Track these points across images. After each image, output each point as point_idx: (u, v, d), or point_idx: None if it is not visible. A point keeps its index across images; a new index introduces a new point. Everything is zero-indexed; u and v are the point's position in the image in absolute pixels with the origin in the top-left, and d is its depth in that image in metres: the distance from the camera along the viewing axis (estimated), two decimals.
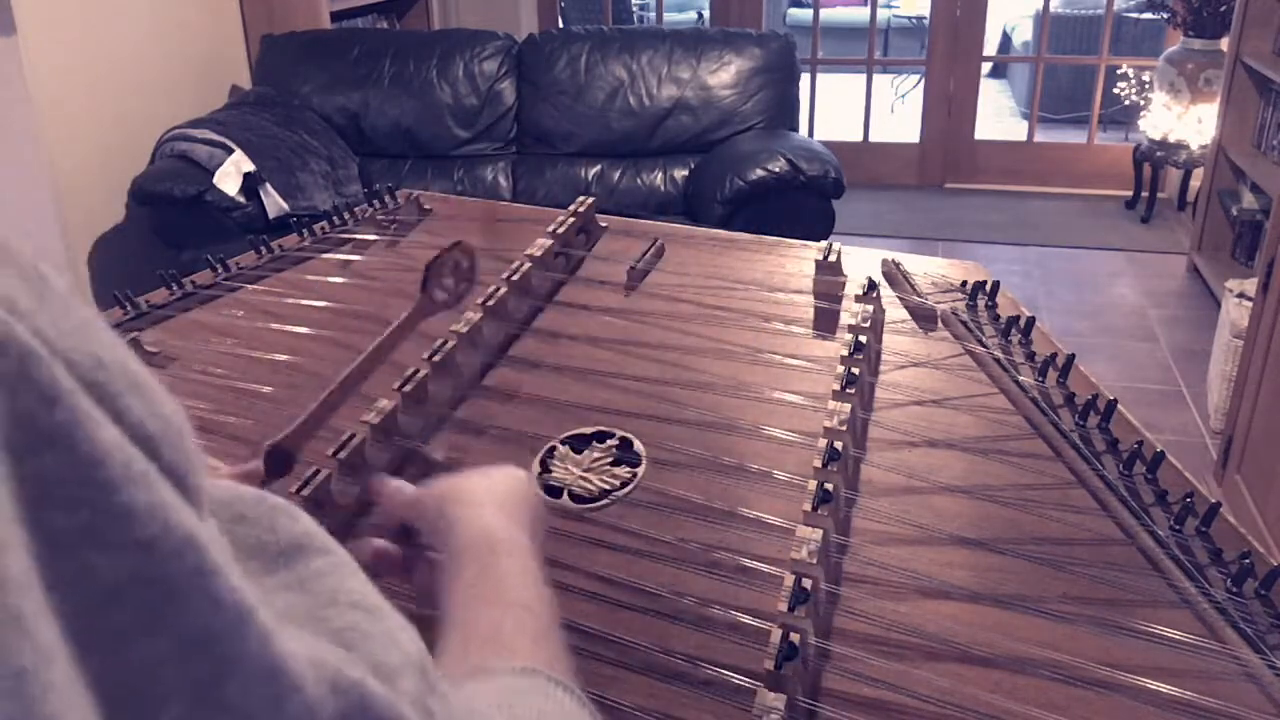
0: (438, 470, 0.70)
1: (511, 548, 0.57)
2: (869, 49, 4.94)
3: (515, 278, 1.08)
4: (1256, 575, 0.70)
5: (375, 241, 1.28)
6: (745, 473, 0.84)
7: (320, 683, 0.28)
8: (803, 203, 2.95)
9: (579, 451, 0.87)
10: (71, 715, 0.22)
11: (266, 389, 0.97)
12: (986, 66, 5.63)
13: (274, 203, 2.94)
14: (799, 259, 1.17)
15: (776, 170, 2.92)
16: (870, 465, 0.85)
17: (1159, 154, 4.18)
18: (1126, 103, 4.85)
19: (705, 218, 3.02)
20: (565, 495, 0.83)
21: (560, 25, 5.19)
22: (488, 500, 0.61)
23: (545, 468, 0.86)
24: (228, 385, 0.99)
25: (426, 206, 1.35)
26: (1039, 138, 5.01)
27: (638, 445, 0.87)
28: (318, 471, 0.81)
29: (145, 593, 0.25)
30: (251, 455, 0.79)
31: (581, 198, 1.24)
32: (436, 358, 0.95)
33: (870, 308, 1.00)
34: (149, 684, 0.25)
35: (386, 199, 1.36)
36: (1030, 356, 0.97)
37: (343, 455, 0.83)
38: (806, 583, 0.68)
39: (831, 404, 0.86)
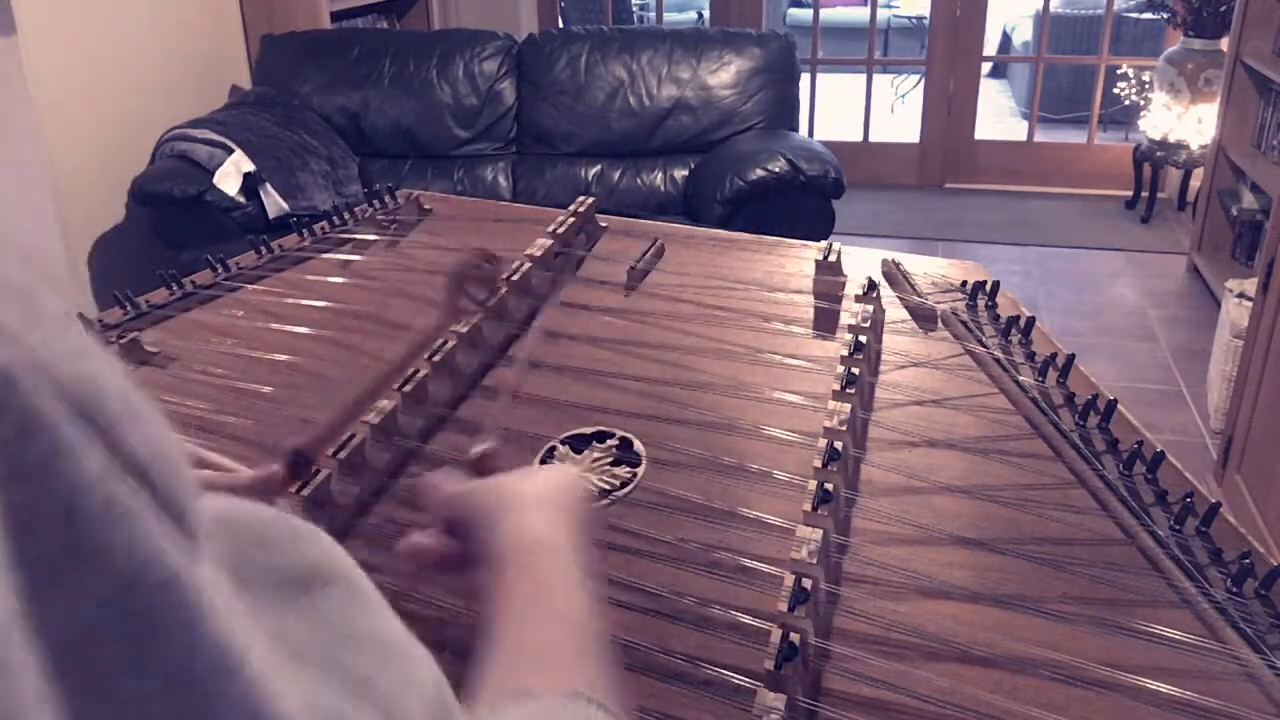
0: (464, 468, 0.68)
1: (556, 555, 0.55)
2: (869, 49, 4.94)
3: (515, 278, 1.08)
4: (1256, 575, 0.70)
5: (375, 241, 1.28)
6: (745, 473, 0.84)
7: None
8: (803, 203, 2.95)
9: (579, 451, 0.87)
10: None
11: (266, 389, 0.97)
12: (986, 66, 5.63)
13: (274, 203, 2.94)
14: (799, 259, 1.17)
15: (776, 170, 2.92)
16: (870, 465, 0.85)
17: (1159, 154, 4.18)
18: (1126, 103, 4.85)
19: (705, 218, 3.02)
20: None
21: (560, 25, 5.19)
22: (534, 503, 0.58)
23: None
24: (228, 385, 0.99)
25: (426, 206, 1.35)
26: (1039, 138, 5.01)
27: (638, 445, 0.87)
28: (318, 471, 0.81)
29: (125, 633, 0.24)
30: (270, 459, 0.79)
31: (581, 198, 1.24)
32: (436, 358, 0.95)
33: (870, 308, 1.00)
34: None
35: (386, 199, 1.36)
36: (1030, 356, 0.97)
37: (343, 455, 0.83)
38: (806, 583, 0.68)
39: (831, 404, 0.86)
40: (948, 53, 4.77)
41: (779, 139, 3.19)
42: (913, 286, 1.09)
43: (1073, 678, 0.65)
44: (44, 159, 2.75)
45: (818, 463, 0.78)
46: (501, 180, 3.49)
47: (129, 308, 1.13)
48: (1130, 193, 4.47)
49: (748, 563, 0.75)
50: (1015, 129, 5.82)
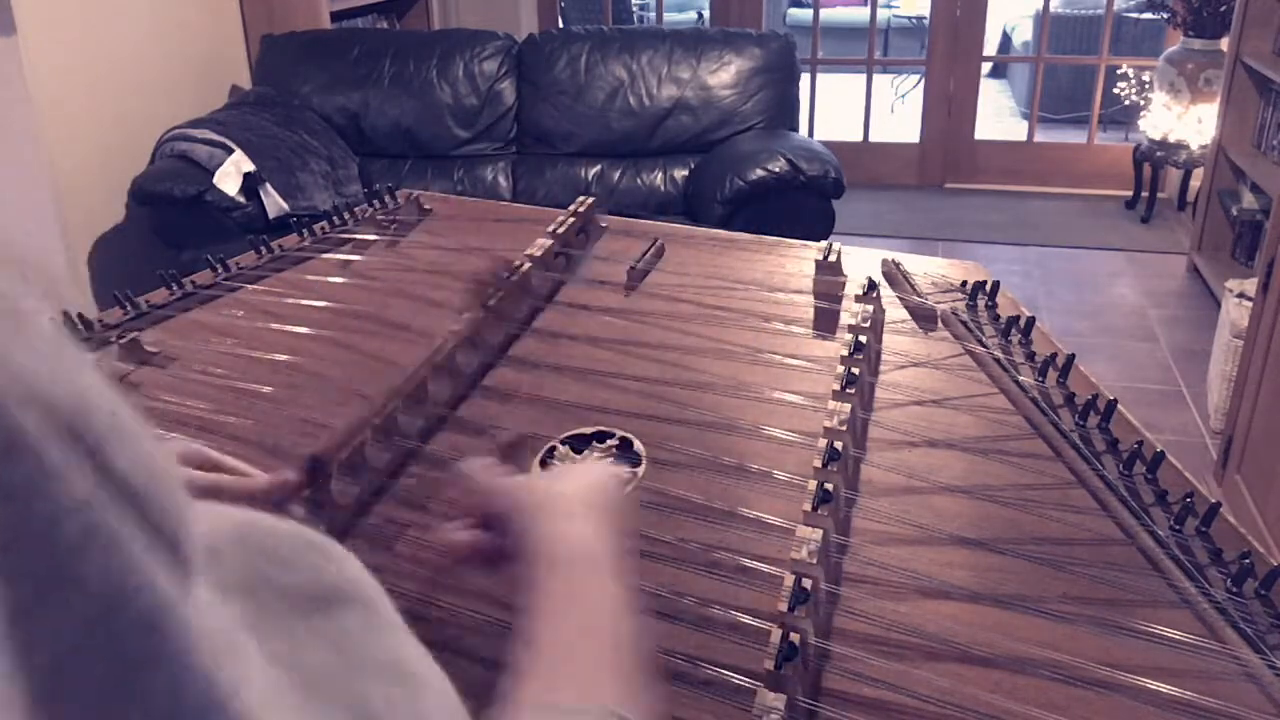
0: (495, 456, 0.67)
1: (594, 562, 0.54)
2: (869, 49, 4.94)
3: (515, 278, 1.08)
4: (1256, 575, 0.70)
5: (375, 241, 1.28)
6: (745, 473, 0.84)
7: None
8: (803, 203, 2.95)
9: (579, 451, 0.87)
10: None
11: (266, 389, 0.97)
12: (986, 66, 5.63)
13: (274, 203, 2.94)
14: (799, 259, 1.17)
15: (776, 170, 2.92)
16: (870, 465, 0.84)
17: (1159, 154, 4.18)
18: (1126, 103, 4.85)
19: (705, 218, 3.02)
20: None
21: (560, 25, 5.19)
22: (576, 506, 0.57)
23: (545, 468, 0.86)
24: (228, 385, 0.99)
25: (426, 206, 1.35)
26: (1039, 138, 5.01)
27: (638, 445, 0.87)
28: (330, 478, 0.81)
29: (108, 660, 0.23)
30: (272, 459, 0.79)
31: (581, 198, 1.24)
32: (437, 358, 0.95)
33: (870, 308, 1.00)
34: None
35: (386, 199, 1.36)
36: (1030, 356, 0.97)
37: (342, 455, 0.83)
38: (806, 583, 0.68)
39: (831, 404, 0.86)
40: (948, 53, 4.77)
41: (779, 139, 3.19)
42: (913, 286, 1.09)
43: (1073, 678, 0.65)
44: (44, 159, 2.75)
45: (818, 463, 0.78)
46: (501, 180, 3.49)
47: (129, 308, 1.13)
48: (1130, 193, 4.47)
49: (748, 563, 0.75)
50: (1015, 129, 5.82)
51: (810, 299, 1.09)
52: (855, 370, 0.90)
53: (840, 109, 5.37)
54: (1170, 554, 0.74)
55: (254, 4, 3.69)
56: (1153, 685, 0.64)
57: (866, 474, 0.84)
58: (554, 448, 0.88)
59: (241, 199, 2.87)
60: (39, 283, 0.27)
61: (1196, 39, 4.01)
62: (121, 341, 1.04)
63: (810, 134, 4.80)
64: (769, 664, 0.64)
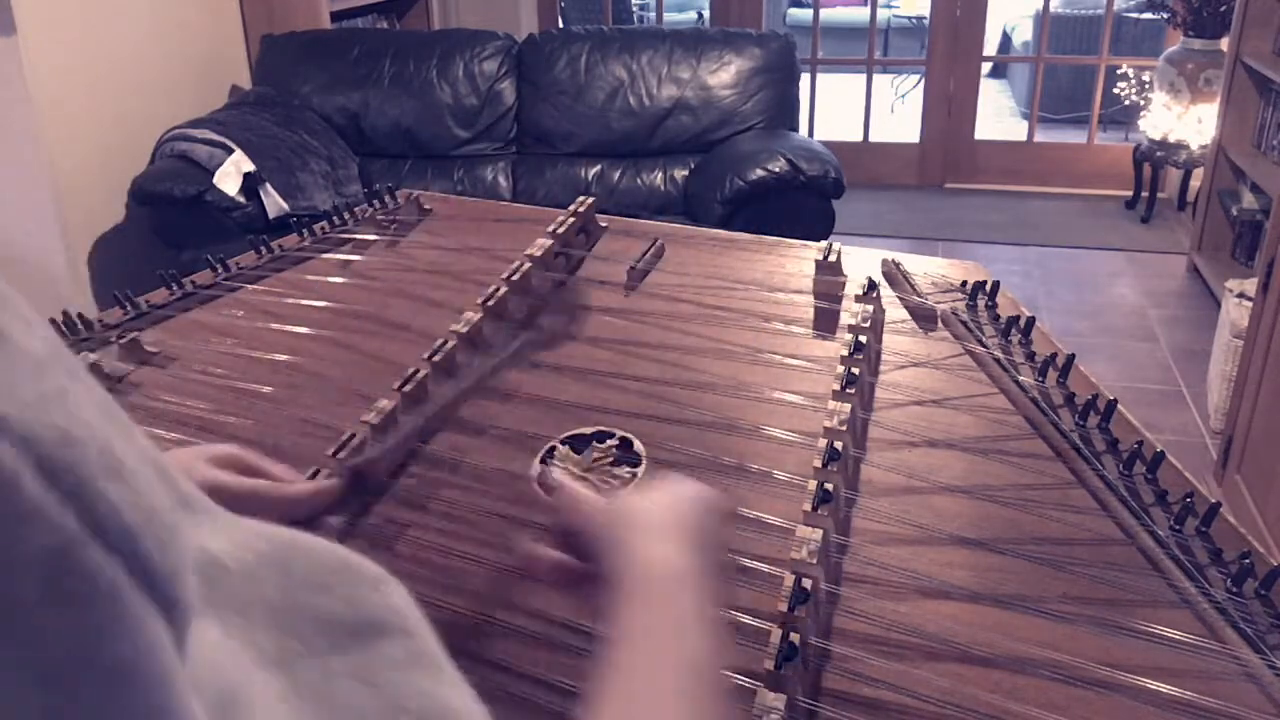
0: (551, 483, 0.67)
1: (682, 581, 0.52)
2: (869, 49, 4.94)
3: (515, 278, 1.08)
4: (1256, 575, 0.70)
5: (375, 241, 1.28)
6: (745, 473, 0.84)
7: None
8: (803, 203, 2.95)
9: (579, 451, 0.87)
10: None
11: (266, 389, 0.97)
12: (986, 66, 5.63)
13: (274, 203, 2.94)
14: (799, 259, 1.17)
15: (776, 170, 2.92)
16: (870, 465, 0.85)
17: (1159, 154, 4.18)
18: (1126, 103, 4.85)
19: (705, 218, 3.02)
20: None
21: (560, 25, 5.19)
22: (670, 527, 0.56)
23: (545, 467, 0.86)
24: (228, 385, 0.99)
25: (426, 206, 1.35)
26: (1039, 138, 5.01)
27: (638, 445, 0.87)
28: (317, 472, 0.81)
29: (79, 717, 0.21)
30: (331, 473, 0.80)
31: (581, 198, 1.23)
32: (436, 358, 0.95)
33: (870, 308, 1.00)
34: None
35: (386, 199, 1.36)
36: (1030, 356, 0.97)
37: (342, 455, 0.83)
38: (806, 583, 0.68)
39: (831, 404, 0.86)
40: (948, 53, 4.77)
41: (779, 139, 3.19)
42: (913, 286, 1.09)
43: (1073, 678, 0.65)
44: (44, 159, 2.75)
45: (818, 463, 0.78)
46: (501, 180, 3.49)
47: (129, 308, 1.13)
48: (1130, 193, 4.47)
49: (748, 563, 0.75)
50: (1015, 129, 5.82)
51: (810, 299, 1.09)
52: (855, 370, 0.90)
53: (840, 109, 5.37)
54: (1170, 554, 0.74)
55: (254, 4, 3.69)
56: (1153, 685, 0.64)
57: (866, 474, 0.84)
58: (554, 448, 0.88)
59: (241, 199, 2.87)
60: (29, 296, 0.25)
61: (1196, 39, 4.01)
62: (121, 341, 1.04)
63: (810, 134, 4.80)
64: (769, 664, 0.64)
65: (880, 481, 0.83)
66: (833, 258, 1.13)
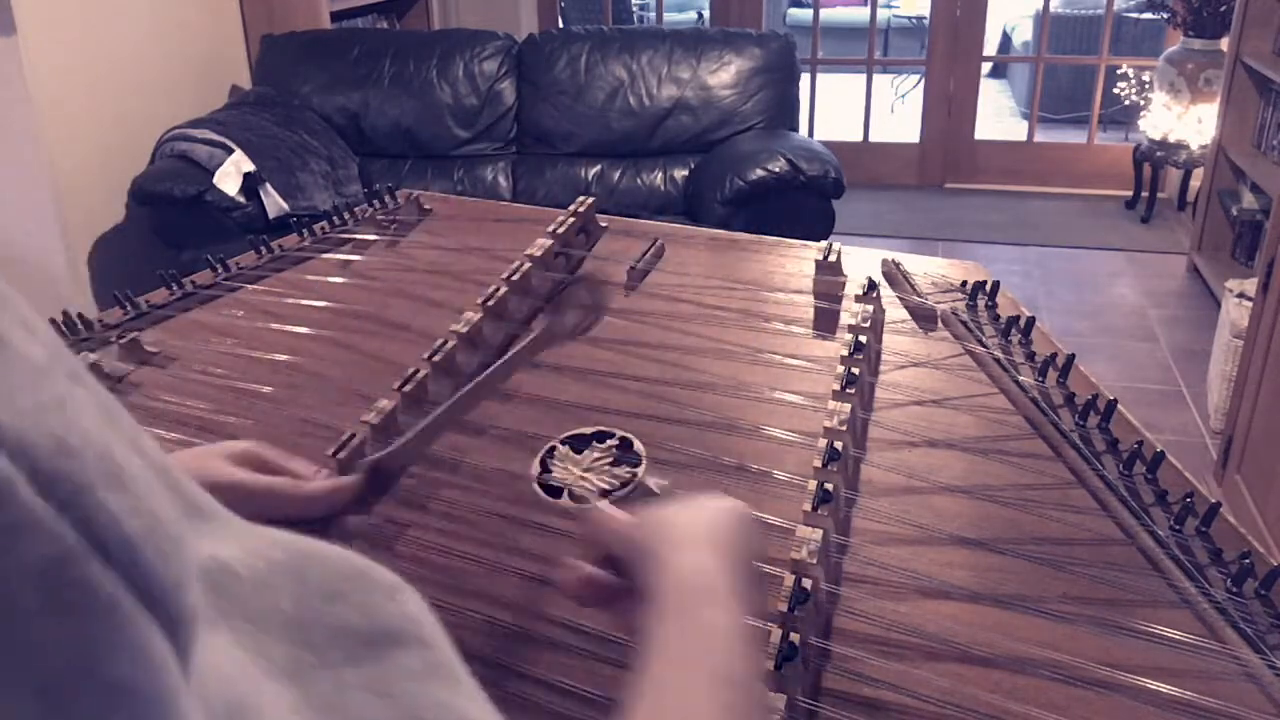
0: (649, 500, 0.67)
1: (715, 592, 0.52)
2: (869, 49, 4.94)
3: (515, 278, 1.08)
4: (1256, 575, 0.70)
5: (375, 241, 1.28)
6: (745, 473, 0.84)
7: None
8: (803, 203, 2.95)
9: (579, 451, 0.87)
10: None
11: (266, 389, 0.97)
12: (986, 66, 5.63)
13: (274, 203, 2.94)
14: (799, 259, 1.17)
15: (776, 170, 2.92)
16: (870, 465, 0.84)
17: (1159, 154, 4.18)
18: (1126, 103, 4.85)
19: (705, 218, 3.02)
20: (565, 495, 0.83)
21: (560, 25, 5.19)
22: (702, 539, 0.55)
23: (545, 468, 0.86)
24: (228, 385, 0.99)
25: (426, 206, 1.35)
26: (1039, 138, 5.01)
27: (638, 445, 0.87)
28: (316, 472, 0.81)
29: None
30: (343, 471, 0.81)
31: (581, 198, 1.23)
32: (436, 358, 0.95)
33: (870, 308, 1.00)
34: None
35: (386, 199, 1.36)
36: (1030, 356, 0.97)
37: (342, 455, 0.83)
38: (806, 583, 0.68)
39: (831, 404, 0.86)
40: (948, 53, 4.77)
41: (779, 139, 3.19)
42: (913, 286, 1.09)
43: (1073, 678, 0.65)
44: (44, 159, 2.75)
45: (818, 463, 0.78)
46: (501, 180, 3.49)
47: (129, 308, 1.13)
48: (1130, 193, 4.47)
49: None
50: (1015, 129, 5.82)
51: (810, 299, 1.09)
52: (855, 370, 0.90)
53: (840, 109, 5.37)
54: (1170, 554, 0.74)
55: (254, 4, 3.69)
56: (1153, 685, 0.64)
57: (866, 474, 0.84)
58: (554, 448, 0.88)
59: (241, 199, 2.88)
60: (29, 296, 0.24)
61: (1196, 39, 4.01)
62: (121, 341, 1.04)
63: (810, 134, 4.80)
64: (769, 664, 0.64)
65: (880, 481, 0.83)
66: (833, 258, 1.13)
